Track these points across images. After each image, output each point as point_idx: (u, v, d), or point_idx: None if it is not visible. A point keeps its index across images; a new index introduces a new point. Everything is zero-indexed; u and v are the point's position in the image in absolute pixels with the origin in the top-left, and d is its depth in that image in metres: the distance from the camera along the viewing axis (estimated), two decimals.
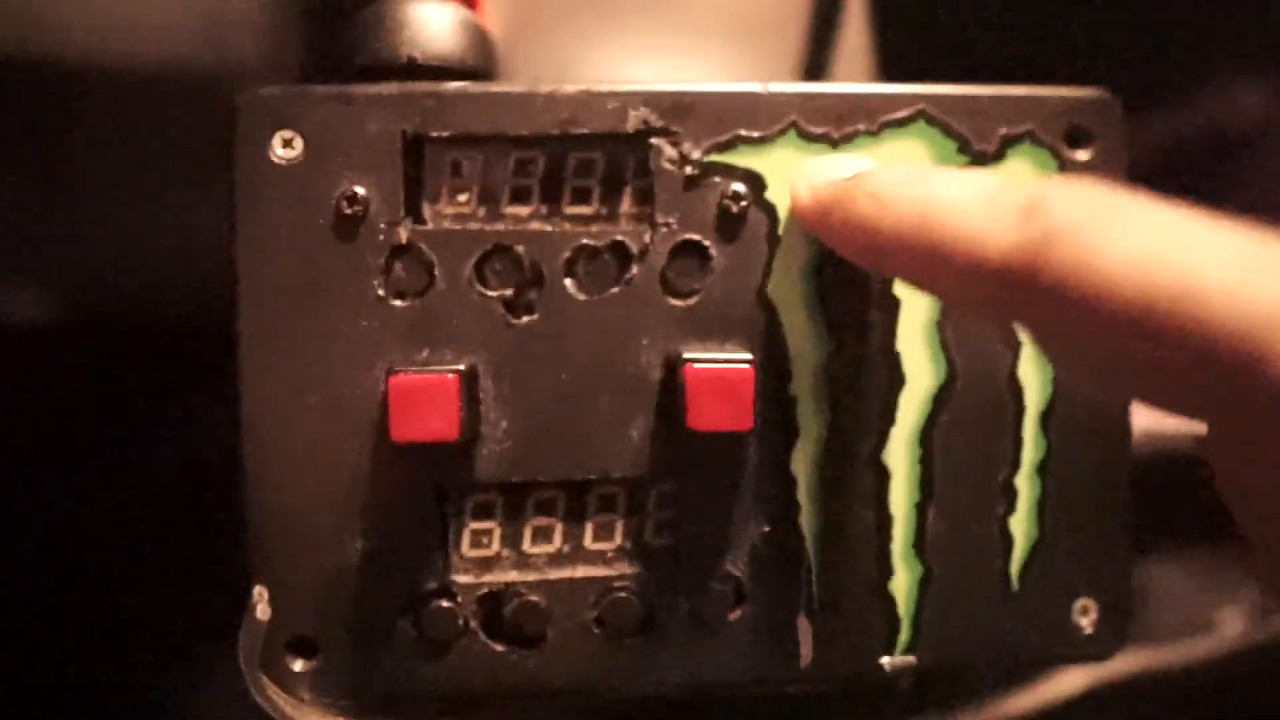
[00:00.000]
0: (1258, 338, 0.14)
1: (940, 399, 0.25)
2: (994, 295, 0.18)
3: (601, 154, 0.24)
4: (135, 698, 0.32)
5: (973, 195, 0.18)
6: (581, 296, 0.24)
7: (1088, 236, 0.16)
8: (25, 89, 0.31)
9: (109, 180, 0.32)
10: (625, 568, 0.24)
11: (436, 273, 0.23)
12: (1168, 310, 0.15)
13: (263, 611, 0.22)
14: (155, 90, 0.31)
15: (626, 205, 0.24)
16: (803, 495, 0.24)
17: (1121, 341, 0.16)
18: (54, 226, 0.32)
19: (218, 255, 0.24)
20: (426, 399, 0.22)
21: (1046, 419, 0.25)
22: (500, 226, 0.24)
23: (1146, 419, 0.35)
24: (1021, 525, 0.25)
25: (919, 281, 0.21)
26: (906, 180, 0.20)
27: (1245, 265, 0.15)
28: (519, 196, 0.24)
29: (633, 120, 0.23)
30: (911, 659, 0.25)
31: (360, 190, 0.23)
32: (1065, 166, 0.25)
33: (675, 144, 0.24)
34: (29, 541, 0.33)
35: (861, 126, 0.24)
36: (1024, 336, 0.25)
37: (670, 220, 0.24)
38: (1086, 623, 0.25)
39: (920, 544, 0.25)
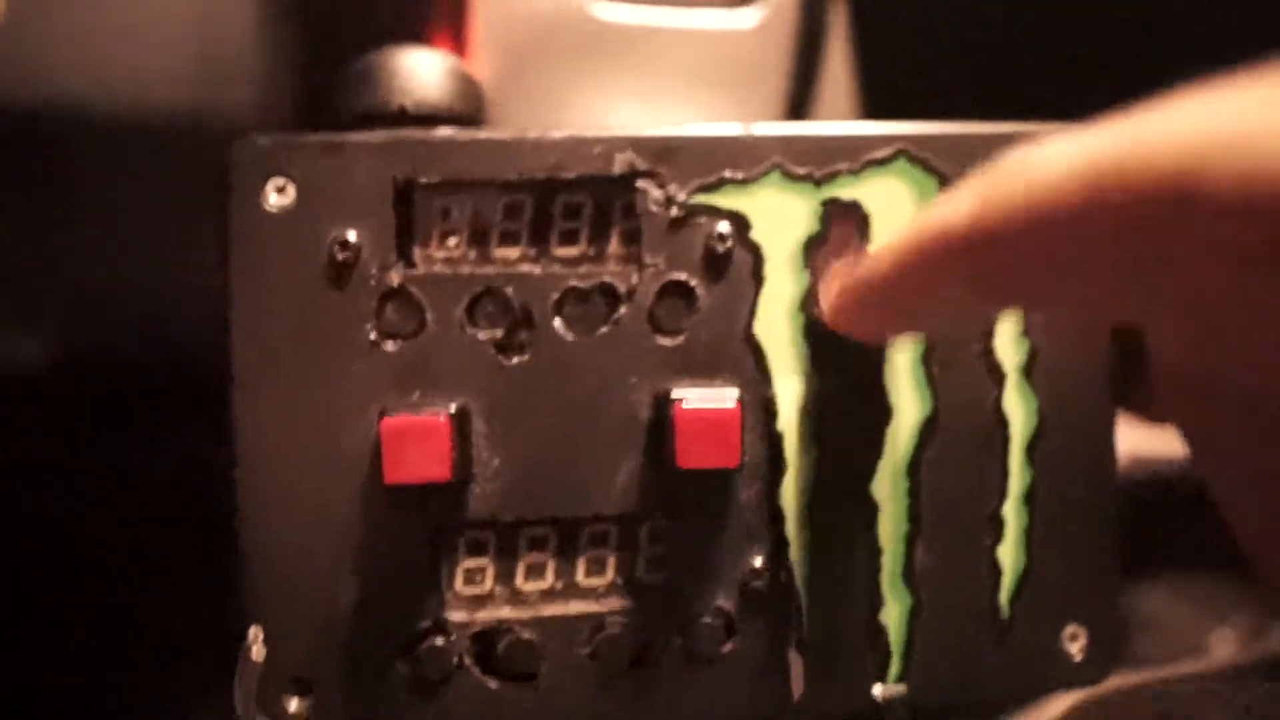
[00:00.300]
0: (1188, 170, 0.15)
1: (926, 432, 0.25)
2: (969, 266, 0.18)
3: (589, 197, 0.24)
4: None
5: (948, 195, 0.19)
6: (571, 337, 0.24)
7: (1027, 155, 0.17)
8: (20, 135, 0.32)
9: (103, 224, 0.33)
10: (617, 603, 0.24)
11: (428, 316, 0.24)
12: (1118, 178, 0.15)
13: (258, 652, 0.23)
14: (149, 138, 0.31)
15: (614, 246, 0.24)
16: (791, 529, 0.24)
17: (1085, 238, 0.16)
18: (48, 271, 0.33)
19: (211, 298, 0.24)
20: (419, 440, 0.22)
21: (1032, 449, 0.25)
22: (490, 269, 0.24)
23: (1133, 444, 0.36)
24: (1009, 554, 0.25)
25: (924, 311, 0.21)
26: (897, 235, 0.21)
27: (1165, 117, 0.15)
28: (508, 239, 0.24)
29: (619, 164, 0.24)
30: (903, 688, 0.25)
31: (352, 236, 0.23)
32: None
33: (661, 186, 0.24)
34: (26, 584, 0.33)
35: (844, 166, 0.25)
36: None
37: (657, 261, 0.24)
38: (1076, 649, 0.26)
39: (909, 575, 0.25)
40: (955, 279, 0.19)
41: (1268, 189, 0.14)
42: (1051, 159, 0.16)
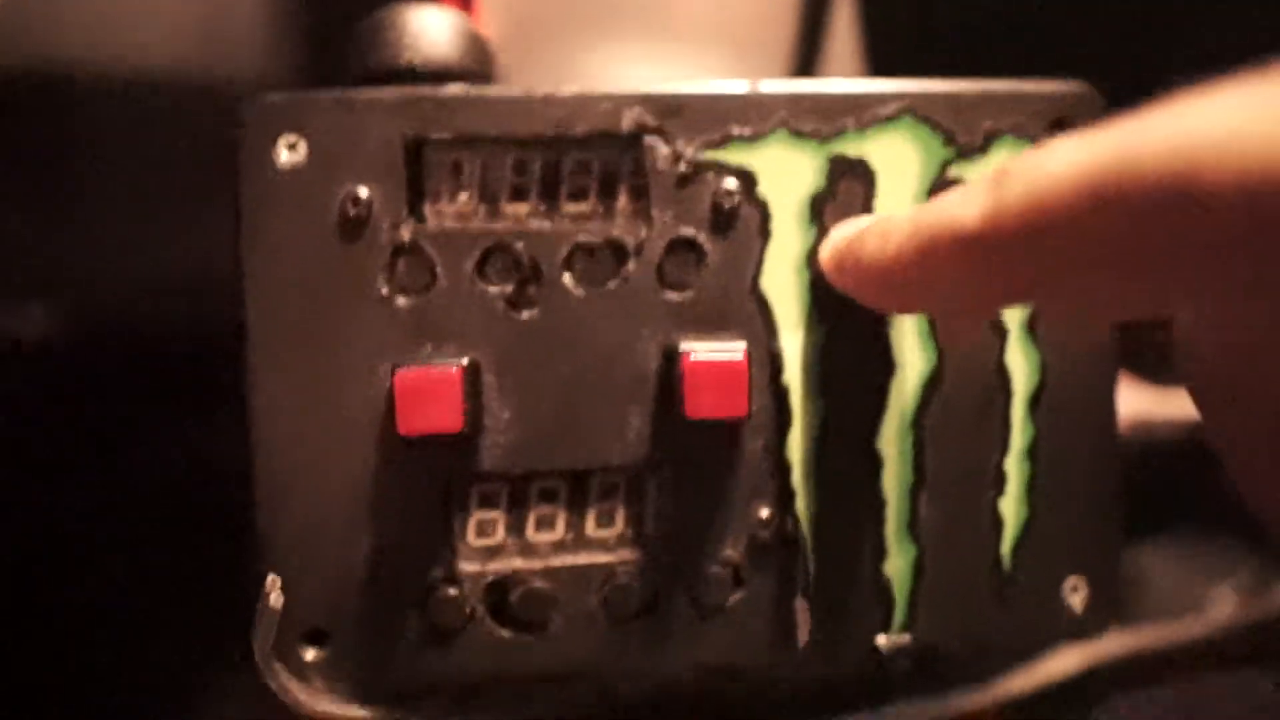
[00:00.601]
0: (1185, 168, 0.15)
1: (930, 386, 0.25)
2: (981, 264, 0.19)
3: (597, 154, 0.24)
4: (150, 695, 0.33)
5: (956, 193, 0.19)
6: (580, 291, 0.24)
7: (1034, 158, 0.17)
8: (27, 103, 0.32)
9: (112, 191, 0.33)
10: (627, 554, 0.25)
11: (438, 271, 0.24)
12: (1117, 179, 0.16)
13: (276, 599, 0.23)
14: (157, 101, 0.31)
15: (622, 203, 0.25)
16: (798, 481, 0.25)
17: (1090, 237, 0.16)
18: (57, 239, 0.33)
19: (221, 261, 0.24)
20: (431, 393, 0.23)
21: (1034, 403, 0.26)
22: (500, 225, 0.24)
23: (1135, 407, 0.36)
24: (1012, 507, 0.26)
25: (922, 298, 0.22)
26: (907, 214, 0.21)
27: (1162, 118, 0.16)
28: (518, 195, 0.24)
29: (627, 120, 0.24)
30: (906, 637, 0.25)
31: (363, 192, 0.24)
32: None
33: (669, 143, 0.24)
34: (39, 547, 0.33)
35: (849, 123, 0.25)
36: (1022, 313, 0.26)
37: (665, 217, 0.24)
38: (1077, 601, 0.26)
39: (913, 527, 0.25)
40: (963, 276, 0.19)
41: (1260, 184, 0.14)
42: (1056, 160, 0.17)
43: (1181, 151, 0.15)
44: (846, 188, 0.25)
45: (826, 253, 0.24)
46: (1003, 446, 0.26)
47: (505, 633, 0.24)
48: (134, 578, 0.34)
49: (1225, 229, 0.15)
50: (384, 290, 0.24)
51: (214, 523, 0.28)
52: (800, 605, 0.25)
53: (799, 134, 0.25)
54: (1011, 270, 0.18)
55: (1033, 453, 0.26)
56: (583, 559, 0.25)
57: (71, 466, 0.33)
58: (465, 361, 0.23)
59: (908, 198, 0.25)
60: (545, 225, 0.24)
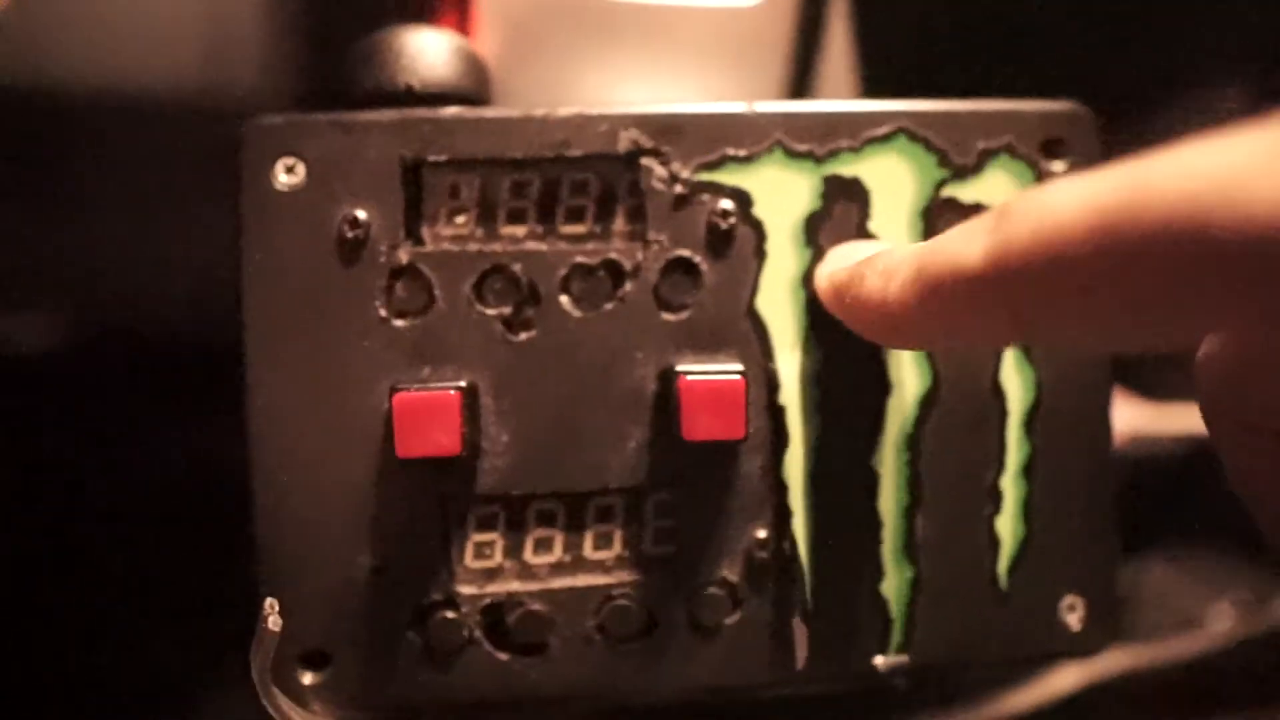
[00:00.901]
0: (1191, 213, 0.15)
1: (926, 405, 0.25)
2: (988, 304, 0.19)
3: (594, 175, 0.25)
4: (149, 710, 0.33)
5: (957, 231, 0.19)
6: (577, 313, 0.24)
7: (1039, 197, 0.17)
8: (27, 118, 0.32)
9: (113, 205, 0.33)
10: (624, 576, 0.25)
11: (436, 293, 0.24)
12: (1125, 221, 0.16)
13: (274, 623, 0.23)
14: (157, 118, 0.31)
15: (619, 224, 0.25)
16: (795, 501, 0.25)
17: (1098, 278, 0.17)
18: (58, 252, 0.33)
19: (220, 276, 0.24)
20: (429, 416, 0.23)
21: (1030, 422, 0.26)
22: (497, 247, 0.24)
23: (1132, 422, 0.36)
24: (1008, 526, 0.26)
25: (927, 337, 0.22)
26: (909, 252, 0.21)
27: (1169, 162, 0.16)
28: (515, 217, 0.25)
29: (624, 141, 0.24)
30: (904, 658, 0.25)
31: (361, 214, 0.24)
32: (1042, 177, 0.26)
33: (665, 164, 0.24)
34: (39, 558, 0.33)
35: (844, 143, 0.25)
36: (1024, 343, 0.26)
37: (661, 238, 0.25)
38: (1074, 619, 0.26)
39: (910, 546, 0.25)
40: (966, 317, 0.19)
41: (1263, 231, 0.15)
42: (1064, 199, 0.17)
43: (1187, 197, 0.15)
44: (841, 208, 0.25)
45: (824, 281, 0.24)
46: (999, 465, 0.26)
47: (503, 655, 0.24)
48: (135, 581, 0.34)
49: (1236, 269, 0.15)
50: (382, 312, 0.24)
51: (214, 529, 0.28)
52: (798, 625, 0.25)
53: (794, 154, 0.25)
54: (1016, 310, 0.18)
55: (1029, 471, 0.26)
56: (580, 581, 0.25)
57: (73, 472, 0.34)
58: (463, 384, 0.23)
59: (902, 217, 0.25)
60: (543, 247, 0.24)
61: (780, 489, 0.25)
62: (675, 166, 0.24)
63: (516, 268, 0.24)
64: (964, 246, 0.19)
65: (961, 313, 0.19)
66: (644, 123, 0.24)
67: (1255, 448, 0.20)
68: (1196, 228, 0.15)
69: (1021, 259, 0.17)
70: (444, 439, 0.23)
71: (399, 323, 0.24)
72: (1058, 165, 0.26)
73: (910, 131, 0.25)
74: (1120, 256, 0.16)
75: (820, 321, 0.25)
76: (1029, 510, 0.26)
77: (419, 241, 0.24)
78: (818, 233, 0.25)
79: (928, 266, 0.20)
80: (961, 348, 0.23)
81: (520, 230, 0.25)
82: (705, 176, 0.25)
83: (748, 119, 0.25)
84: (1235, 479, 0.20)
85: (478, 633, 0.24)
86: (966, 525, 0.26)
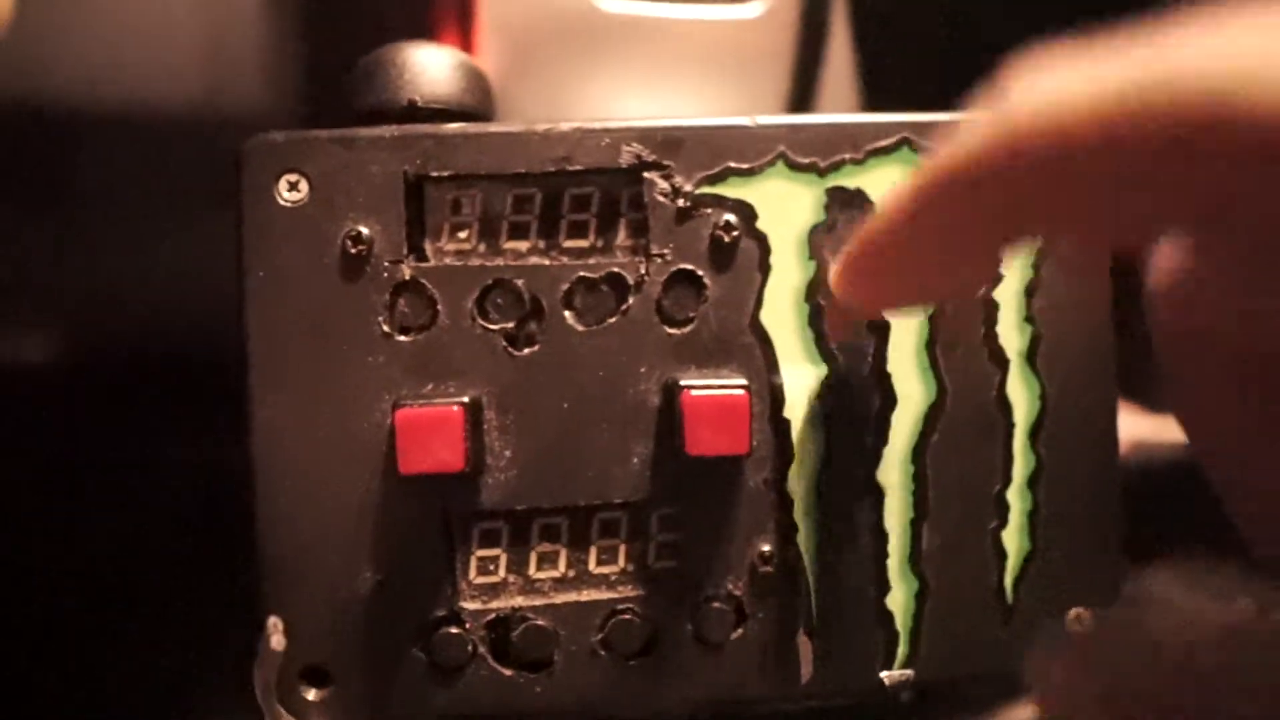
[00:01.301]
0: (1225, 90, 0.15)
1: (931, 418, 0.25)
2: (993, 199, 0.18)
3: (596, 189, 0.25)
4: (149, 701, 0.33)
5: (947, 140, 0.19)
6: (580, 327, 0.24)
7: (1032, 89, 0.17)
8: (29, 132, 0.32)
9: (116, 221, 0.33)
10: (629, 590, 0.25)
11: (439, 308, 0.24)
12: (1135, 96, 0.16)
13: (278, 642, 0.23)
14: (160, 134, 0.31)
15: (622, 238, 0.25)
16: (800, 515, 0.25)
17: (1099, 158, 0.16)
18: (62, 267, 0.33)
19: (222, 292, 0.24)
20: (432, 431, 0.23)
21: (1035, 434, 0.26)
22: (500, 261, 0.24)
23: (1137, 430, 0.36)
24: (1014, 538, 0.26)
25: (932, 261, 0.20)
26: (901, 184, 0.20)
27: (1188, 46, 0.16)
28: (518, 232, 0.24)
29: (626, 155, 0.24)
30: (910, 673, 0.25)
31: (364, 230, 0.24)
32: None
33: (667, 177, 0.24)
34: (41, 574, 0.33)
35: (847, 155, 0.25)
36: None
37: (665, 251, 0.24)
38: (1080, 632, 0.26)
39: (916, 560, 0.25)
40: (966, 215, 0.19)
41: None
42: (1067, 91, 0.16)
43: (1214, 83, 0.15)
44: (845, 220, 0.25)
45: (834, 274, 0.23)
46: (1004, 478, 0.26)
47: (507, 670, 0.24)
48: (137, 596, 0.34)
49: (1253, 152, 0.15)
50: (385, 327, 0.24)
51: (216, 544, 0.28)
52: (803, 640, 0.25)
53: (797, 167, 0.25)
54: (1023, 199, 0.18)
55: (1034, 483, 0.26)
56: (585, 596, 0.24)
57: (75, 486, 0.33)
58: (466, 399, 0.23)
59: None
60: (545, 261, 0.24)
61: (785, 503, 0.25)
62: (678, 180, 0.24)
63: (519, 282, 0.24)
64: (955, 147, 0.18)
65: (962, 212, 0.18)
66: (646, 136, 0.24)
67: (1199, 359, 0.20)
68: (1227, 113, 0.15)
69: (1020, 151, 0.17)
70: (447, 454, 0.23)
71: (402, 338, 0.24)
72: None
73: (913, 143, 0.25)
74: (1139, 145, 0.16)
75: (824, 334, 0.25)
76: (1035, 523, 0.26)
77: (421, 257, 0.24)
78: (821, 245, 0.25)
79: (926, 169, 0.19)
80: (966, 260, 0.22)
81: (523, 245, 0.25)
82: (708, 190, 0.25)
83: (750, 132, 0.25)
84: (1173, 394, 0.20)
85: (482, 648, 0.24)
86: (972, 538, 0.26)
